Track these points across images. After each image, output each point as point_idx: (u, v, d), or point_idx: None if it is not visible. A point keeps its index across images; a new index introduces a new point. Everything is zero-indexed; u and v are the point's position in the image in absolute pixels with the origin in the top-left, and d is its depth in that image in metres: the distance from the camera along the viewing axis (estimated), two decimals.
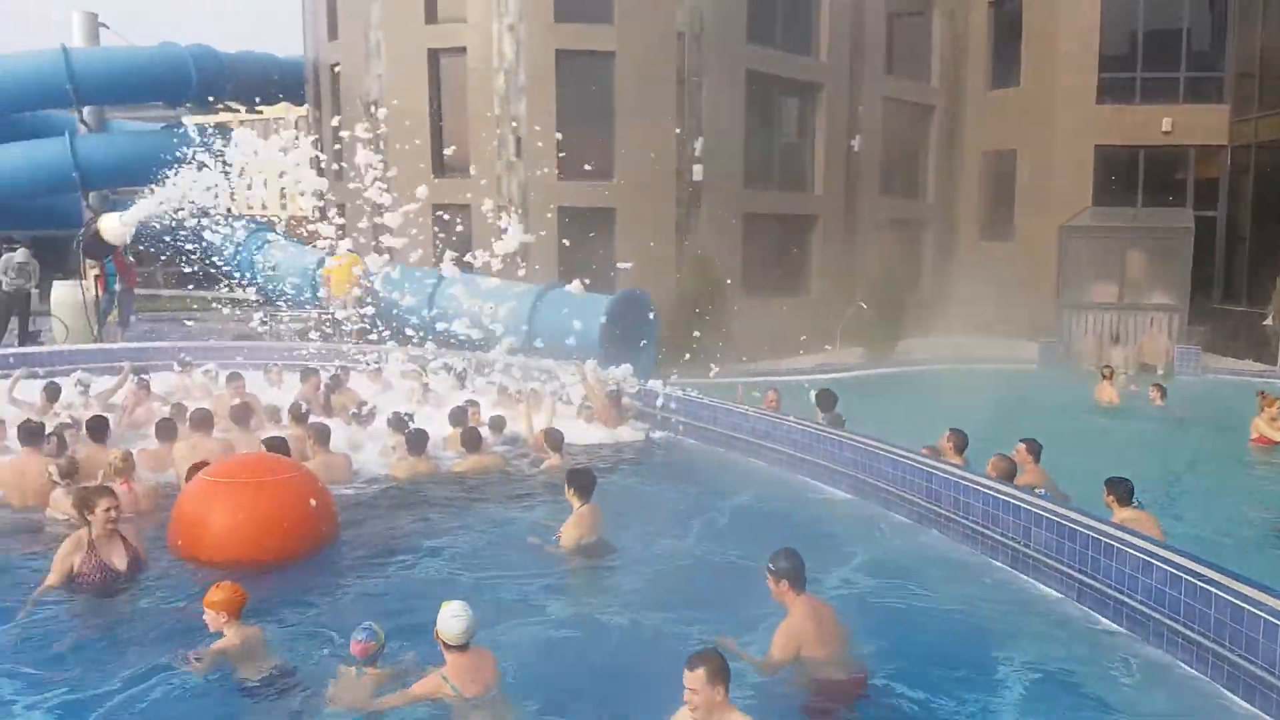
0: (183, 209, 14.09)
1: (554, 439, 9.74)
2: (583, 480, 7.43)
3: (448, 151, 17.75)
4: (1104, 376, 14.52)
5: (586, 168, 17.39)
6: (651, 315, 14.99)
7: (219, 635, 5.33)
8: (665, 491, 9.31)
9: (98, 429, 8.98)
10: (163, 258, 21.50)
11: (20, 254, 16.80)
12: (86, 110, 21.26)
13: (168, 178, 13.97)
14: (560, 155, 17.27)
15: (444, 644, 4.94)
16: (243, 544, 6.85)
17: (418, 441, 9.58)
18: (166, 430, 9.28)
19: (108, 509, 6.34)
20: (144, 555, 6.65)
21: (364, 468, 9.65)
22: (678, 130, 17.54)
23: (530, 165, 17.34)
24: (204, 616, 5.38)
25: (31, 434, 8.41)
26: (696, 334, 15.14)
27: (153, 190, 14.73)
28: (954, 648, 5.94)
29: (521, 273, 15.45)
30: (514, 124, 17.30)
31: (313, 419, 10.09)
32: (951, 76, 23.46)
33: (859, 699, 5.18)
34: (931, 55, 23.33)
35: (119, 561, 6.40)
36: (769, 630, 5.37)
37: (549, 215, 17.29)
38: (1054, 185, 21.43)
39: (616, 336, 14.35)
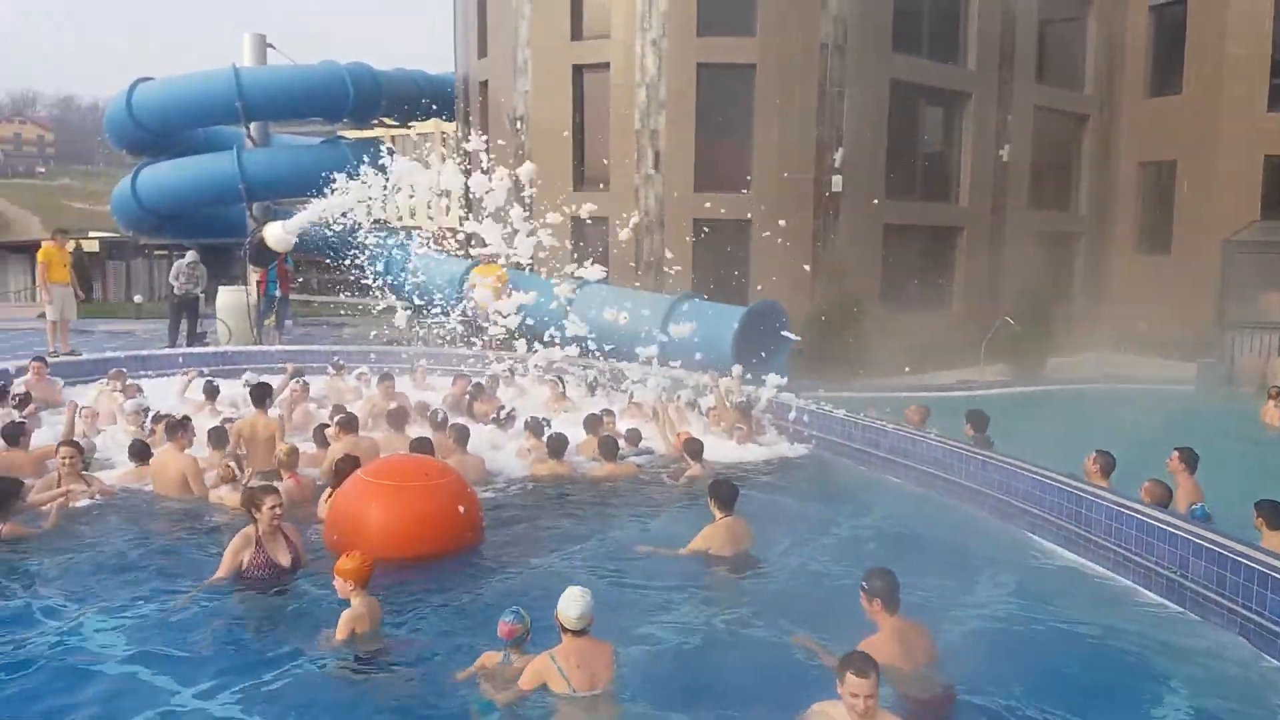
0: (341, 219, 14.84)
1: (694, 448, 9.79)
2: (724, 492, 7.42)
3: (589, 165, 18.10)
4: (1270, 397, 13.63)
5: (723, 180, 17.48)
6: (785, 331, 14.93)
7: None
8: (797, 507, 9.21)
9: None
10: (330, 263, 22.58)
11: (189, 260, 17.94)
12: (254, 126, 22.54)
13: (326, 190, 14.65)
14: (698, 168, 17.40)
15: (562, 627, 5.08)
16: (395, 543, 7.13)
17: (558, 445, 9.81)
18: (320, 435, 9.80)
19: (273, 507, 6.68)
20: (303, 551, 7.00)
21: (503, 469, 9.95)
22: (817, 141, 17.39)
23: (668, 178, 17.50)
24: (334, 583, 5.70)
25: (173, 428, 8.97)
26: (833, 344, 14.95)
27: (308, 203, 15.57)
28: (1093, 677, 5.70)
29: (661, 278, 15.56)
30: (653, 137, 17.50)
31: (454, 421, 10.42)
32: (1107, 84, 22.47)
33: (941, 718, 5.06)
34: (1086, 62, 22.42)
35: (283, 558, 6.75)
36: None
37: (685, 227, 17.42)
38: (1217, 198, 20.25)
39: (750, 348, 14.32)
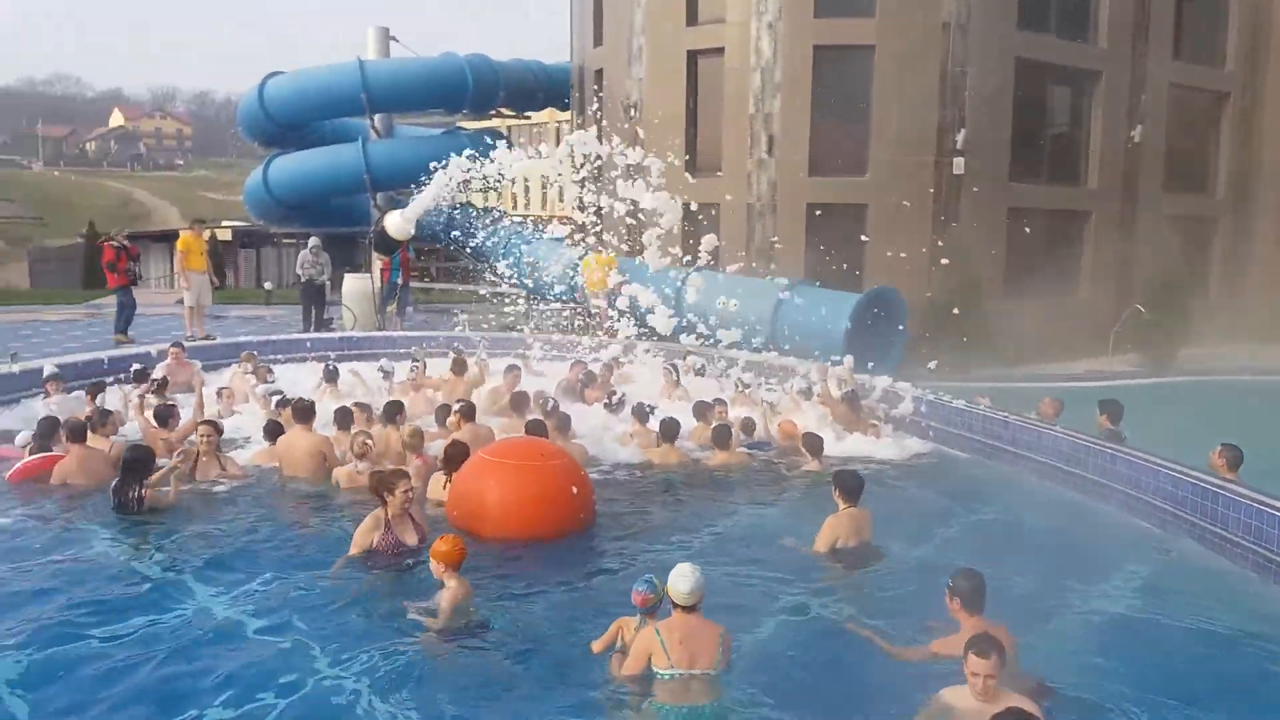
0: (455, 207, 15.20)
1: (813, 443, 9.62)
2: (849, 482, 7.31)
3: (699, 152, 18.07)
4: None
5: (839, 164, 17.20)
6: (900, 323, 14.65)
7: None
8: (916, 498, 9.03)
9: (394, 410, 9.82)
10: (449, 251, 23.16)
11: (312, 247, 18.58)
12: (377, 117, 23.23)
13: (433, 176, 15.03)
14: (812, 151, 17.17)
15: (672, 602, 5.14)
16: (511, 519, 7.35)
17: (670, 430, 9.85)
18: (442, 416, 10.05)
19: (405, 491, 6.89)
20: (426, 530, 7.21)
21: (613, 455, 10.01)
22: (938, 123, 16.94)
23: (782, 162, 17.32)
24: (429, 566, 5.92)
25: (302, 412, 9.32)
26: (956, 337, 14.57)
27: (417, 189, 16.00)
28: (1225, 677, 5.46)
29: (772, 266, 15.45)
30: (767, 121, 17.33)
31: (564, 406, 10.56)
32: (1250, 60, 21.23)
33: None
34: (1227, 37, 21.22)
35: (410, 539, 6.96)
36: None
37: (799, 212, 17.23)
38: None
39: (864, 336, 14.09)
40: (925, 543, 7.62)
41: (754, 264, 17.51)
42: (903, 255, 16.20)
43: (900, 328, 14.81)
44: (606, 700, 5.07)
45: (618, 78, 19.68)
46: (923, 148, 16.95)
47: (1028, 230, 17.69)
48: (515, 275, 20.74)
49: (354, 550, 6.81)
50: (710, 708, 4.91)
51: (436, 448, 8.84)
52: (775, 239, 17.40)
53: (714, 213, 18.04)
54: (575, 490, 7.65)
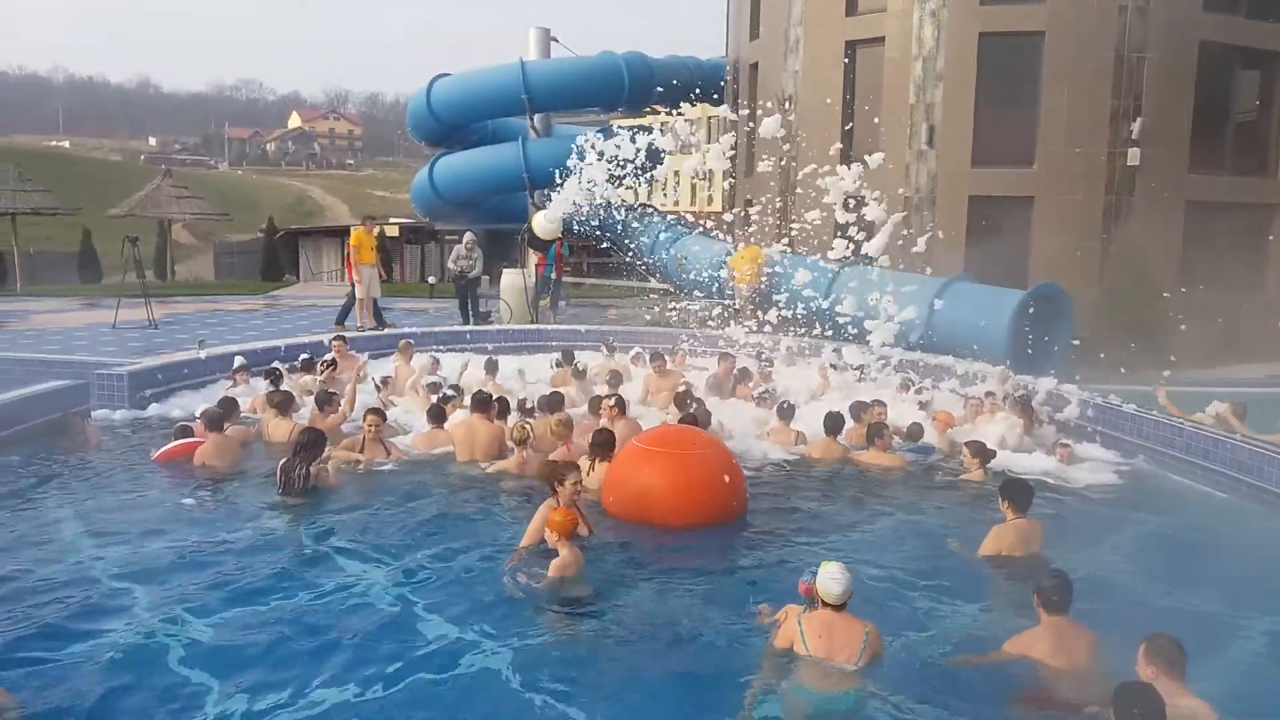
0: (605, 205, 15.40)
1: (979, 450, 9.23)
2: (1018, 493, 6.98)
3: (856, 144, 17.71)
4: None
5: (1004, 155, 16.57)
6: (1066, 323, 13.99)
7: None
8: (1081, 508, 8.60)
9: (554, 403, 10.09)
10: (601, 248, 23.55)
11: (466, 242, 19.13)
12: (537, 116, 23.82)
13: (569, 178, 15.33)
14: (975, 142, 16.61)
15: (820, 600, 5.23)
16: (663, 505, 7.48)
17: (834, 424, 9.77)
18: (595, 406, 10.23)
19: (575, 483, 7.07)
20: (590, 524, 7.34)
21: (762, 450, 9.98)
22: (1111, 111, 16.08)
23: (943, 153, 16.82)
24: (545, 535, 6.37)
25: (482, 402, 9.66)
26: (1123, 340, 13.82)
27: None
28: None
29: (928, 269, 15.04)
30: (928, 111, 16.86)
31: (709, 401, 10.59)
32: None
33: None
34: None
35: (580, 528, 7.11)
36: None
37: (959, 205, 16.70)
38: None
39: (1027, 335, 13.53)
40: (1098, 555, 7.21)
41: (908, 259, 17.08)
42: (1071, 251, 15.47)
43: (1066, 327, 14.14)
44: (744, 674, 5.17)
45: (773, 71, 19.54)
46: (1095, 138, 16.13)
47: (1208, 225, 16.61)
48: (664, 271, 20.90)
49: (526, 540, 6.96)
50: (846, 696, 4.97)
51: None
52: (935, 233, 16.91)
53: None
54: (727, 479, 7.70)
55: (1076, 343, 13.78)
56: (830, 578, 5.16)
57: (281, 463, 8.19)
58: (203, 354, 12.39)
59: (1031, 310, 13.65)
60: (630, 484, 7.72)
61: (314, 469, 8.12)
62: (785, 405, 10.67)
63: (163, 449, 9.22)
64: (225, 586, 6.16)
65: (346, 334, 14.07)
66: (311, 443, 8.20)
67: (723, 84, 23.74)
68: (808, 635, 5.16)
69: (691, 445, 7.85)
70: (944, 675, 5.31)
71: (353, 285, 17.66)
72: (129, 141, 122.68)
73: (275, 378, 11.28)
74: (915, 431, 10.37)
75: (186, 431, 9.41)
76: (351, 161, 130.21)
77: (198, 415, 9.78)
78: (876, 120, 17.37)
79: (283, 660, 5.22)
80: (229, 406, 9.80)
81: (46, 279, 31.04)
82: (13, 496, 8.03)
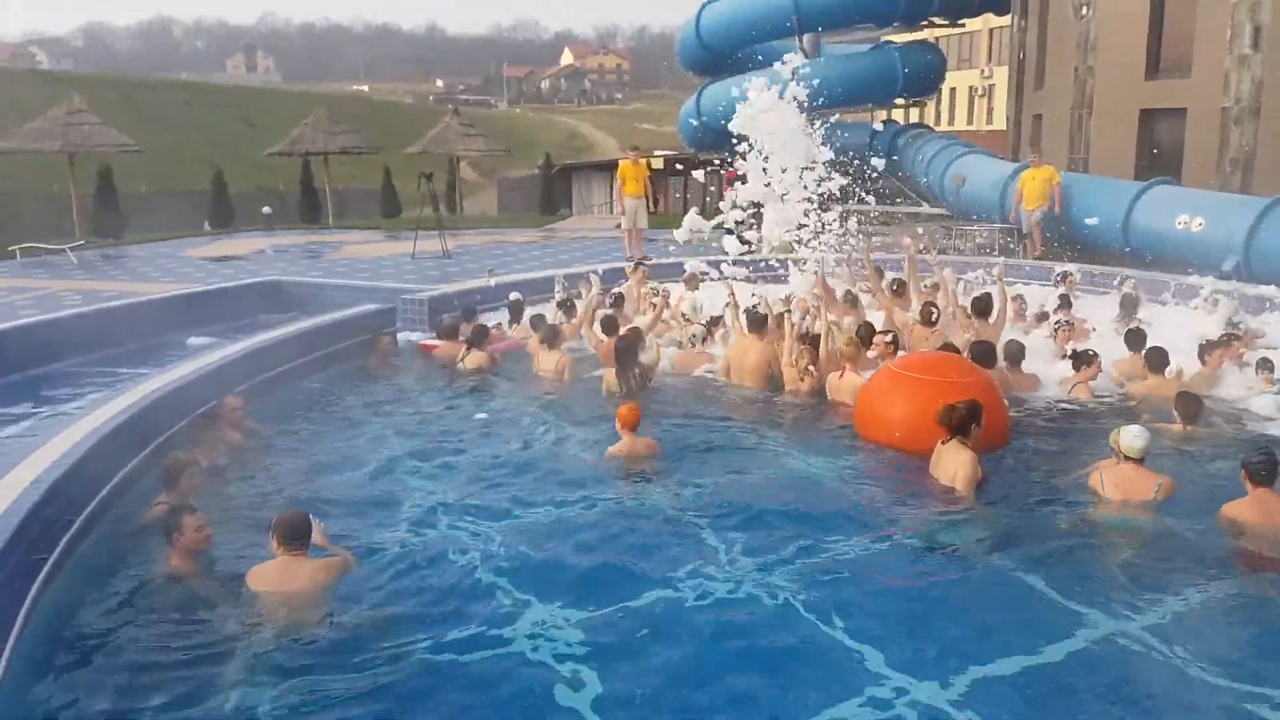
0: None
1: (1189, 407, 7.55)
2: (1256, 466, 5.89)
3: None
4: None
5: None
6: None
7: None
8: None
9: (866, 336, 9.58)
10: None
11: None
12: (806, 37, 23.19)
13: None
14: None
15: (1121, 454, 6.24)
16: (907, 433, 7.32)
17: (1158, 359, 8.78)
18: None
19: None
20: None
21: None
22: None
23: (1270, 58, 14.84)
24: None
25: (756, 322, 9.62)
26: None
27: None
28: None
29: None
30: (1253, 10, 14.90)
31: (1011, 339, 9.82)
32: None
33: None
34: None
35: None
36: None
37: None
38: None
39: None
40: None
41: (1225, 177, 15.36)
42: None
43: None
44: None
45: None
46: None
47: None
48: (939, 194, 19.96)
49: None
50: (1140, 524, 6.06)
51: None
52: (1256, 149, 15.08)
53: (1178, 120, 16.03)
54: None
55: None
56: (1133, 434, 6.20)
57: (611, 371, 8.88)
58: (492, 281, 13.18)
59: None
60: (876, 409, 7.70)
61: (641, 370, 8.81)
62: (1084, 351, 9.14)
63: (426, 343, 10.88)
64: (520, 498, 6.58)
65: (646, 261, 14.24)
66: (626, 348, 8.86)
67: None
68: (1106, 484, 6.26)
69: (948, 373, 7.56)
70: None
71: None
72: (419, 85, 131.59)
73: (568, 308, 11.56)
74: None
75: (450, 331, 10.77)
76: (619, 96, 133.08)
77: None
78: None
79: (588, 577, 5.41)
80: (480, 331, 10.50)
81: (353, 213, 34.12)
82: (335, 406, 8.99)
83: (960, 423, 6.52)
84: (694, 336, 10.15)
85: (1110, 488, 6.24)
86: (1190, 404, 7.50)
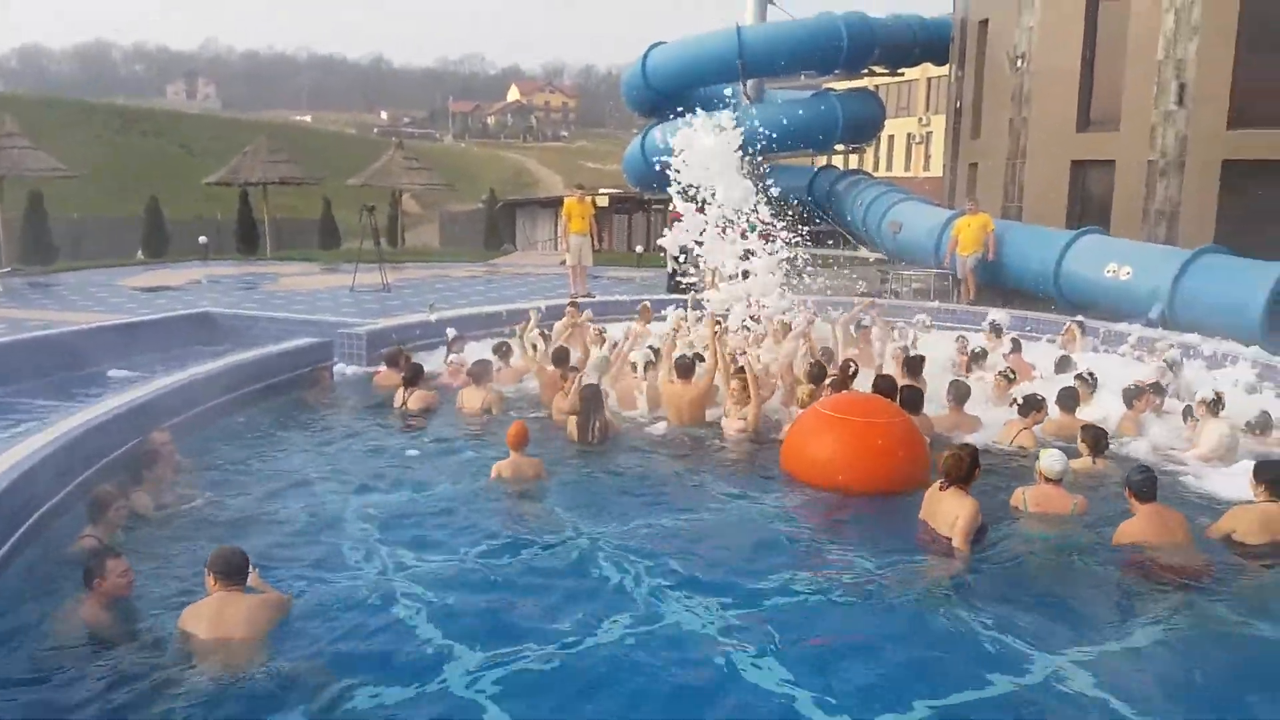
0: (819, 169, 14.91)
1: (1094, 437, 7.79)
2: (1271, 474, 6.38)
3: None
4: None
5: (1267, 115, 15.02)
6: None
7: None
8: None
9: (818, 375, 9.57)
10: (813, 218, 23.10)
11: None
12: (749, 83, 23.53)
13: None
14: (1234, 101, 15.13)
15: (1042, 475, 6.76)
16: (832, 472, 7.46)
17: (1068, 400, 9.03)
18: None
19: None
20: None
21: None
22: None
23: (1195, 114, 15.42)
24: None
25: (683, 369, 9.61)
26: None
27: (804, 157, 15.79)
28: None
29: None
30: (1179, 68, 15.49)
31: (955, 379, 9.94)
32: None
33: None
34: None
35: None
36: None
37: (1212, 169, 15.33)
38: None
39: None
40: None
41: (1149, 229, 15.87)
42: None
43: None
44: None
45: (1005, 27, 18.50)
46: None
47: None
48: (875, 238, 20.32)
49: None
50: (1055, 536, 6.53)
51: None
52: (1180, 201, 15.62)
53: (1108, 171, 16.57)
54: (901, 452, 7.52)
55: None
56: (1051, 458, 6.75)
57: (575, 419, 8.64)
58: (434, 317, 13.06)
59: None
60: (799, 448, 7.79)
61: (602, 422, 8.61)
62: (1033, 396, 9.07)
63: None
64: (438, 541, 6.47)
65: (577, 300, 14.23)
66: (592, 396, 8.69)
67: (948, 42, 22.71)
68: (1029, 500, 6.79)
69: (867, 414, 7.69)
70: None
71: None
72: (363, 116, 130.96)
73: (504, 352, 11.39)
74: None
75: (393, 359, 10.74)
76: (565, 134, 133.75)
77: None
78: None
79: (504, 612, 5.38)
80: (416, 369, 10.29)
81: (292, 244, 33.65)
82: (265, 442, 8.78)
83: (966, 471, 6.38)
84: (649, 361, 10.00)
85: (1032, 505, 6.78)
86: (1095, 436, 7.73)
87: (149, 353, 12.17)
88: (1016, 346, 11.64)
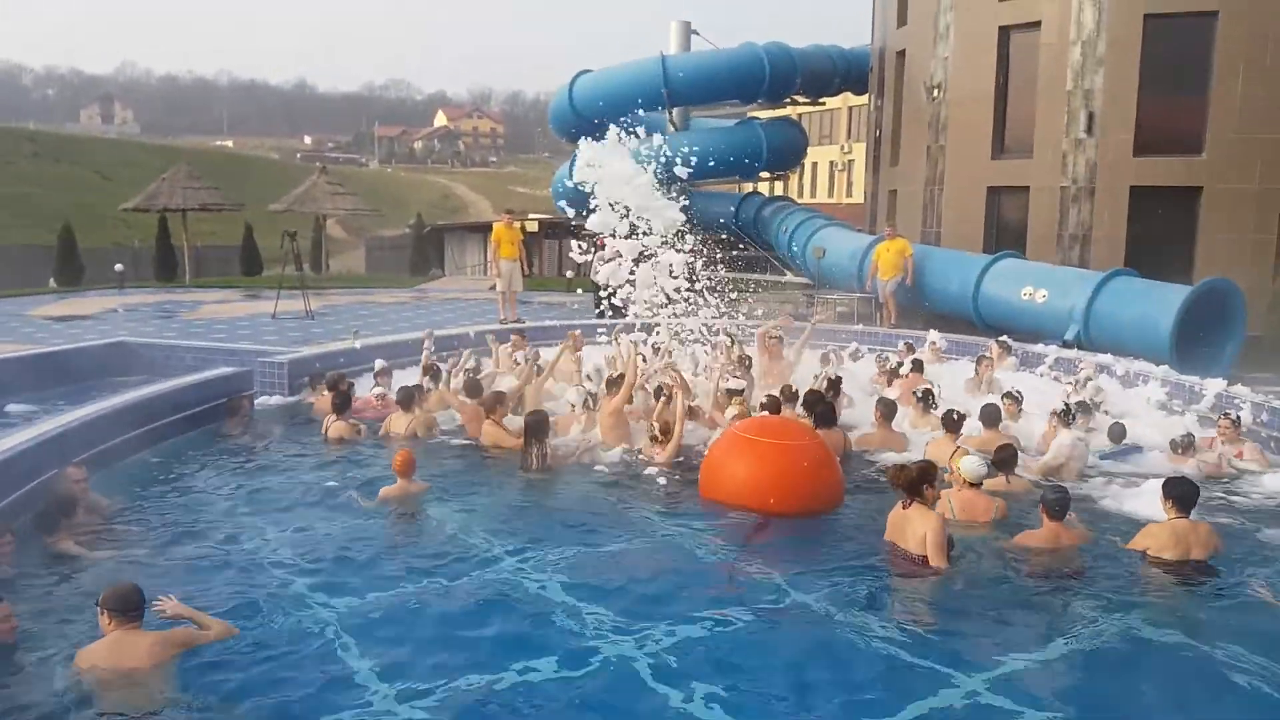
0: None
1: (1004, 456, 8.03)
2: (1179, 491, 6.61)
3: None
4: None
5: (1169, 143, 15.66)
6: (1237, 322, 13.15)
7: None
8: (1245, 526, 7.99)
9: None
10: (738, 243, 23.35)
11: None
12: (675, 110, 23.77)
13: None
14: (1139, 130, 15.74)
15: (963, 479, 7.12)
16: (746, 493, 7.53)
17: (952, 422, 9.19)
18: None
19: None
20: None
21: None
22: None
23: (1103, 142, 16.00)
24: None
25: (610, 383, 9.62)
26: None
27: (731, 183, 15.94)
28: None
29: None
30: (1087, 98, 16.06)
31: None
32: None
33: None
34: None
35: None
36: None
37: (1120, 196, 15.91)
38: None
39: (1193, 335, 12.77)
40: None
41: (1063, 253, 16.38)
42: (1243, 244, 14.51)
43: (1237, 326, 13.28)
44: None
45: (921, 58, 19.00)
46: (1272, 124, 15.05)
47: None
48: (800, 263, 20.61)
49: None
50: (980, 539, 6.92)
51: None
52: (1091, 225, 16.15)
53: (1022, 197, 17.07)
54: (817, 472, 7.62)
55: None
56: (971, 463, 7.10)
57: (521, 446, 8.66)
58: (357, 344, 12.86)
59: (1210, 311, 12.91)
60: (716, 469, 7.84)
61: (546, 451, 8.54)
62: (951, 415, 9.22)
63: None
64: (363, 567, 6.37)
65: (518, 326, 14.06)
66: (537, 424, 8.59)
67: (867, 72, 23.24)
68: (955, 505, 7.01)
69: (780, 436, 7.77)
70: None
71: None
72: (286, 140, 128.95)
73: (435, 374, 11.26)
74: (1117, 432, 9.45)
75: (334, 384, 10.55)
76: (494, 159, 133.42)
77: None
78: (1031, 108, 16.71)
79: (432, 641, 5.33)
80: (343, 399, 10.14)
81: (212, 271, 32.95)
82: (181, 476, 8.53)
83: (910, 484, 6.42)
84: (589, 396, 9.94)
85: (958, 510, 7.04)
86: (1006, 454, 8.00)
87: (60, 385, 11.78)
88: (918, 366, 11.91)
